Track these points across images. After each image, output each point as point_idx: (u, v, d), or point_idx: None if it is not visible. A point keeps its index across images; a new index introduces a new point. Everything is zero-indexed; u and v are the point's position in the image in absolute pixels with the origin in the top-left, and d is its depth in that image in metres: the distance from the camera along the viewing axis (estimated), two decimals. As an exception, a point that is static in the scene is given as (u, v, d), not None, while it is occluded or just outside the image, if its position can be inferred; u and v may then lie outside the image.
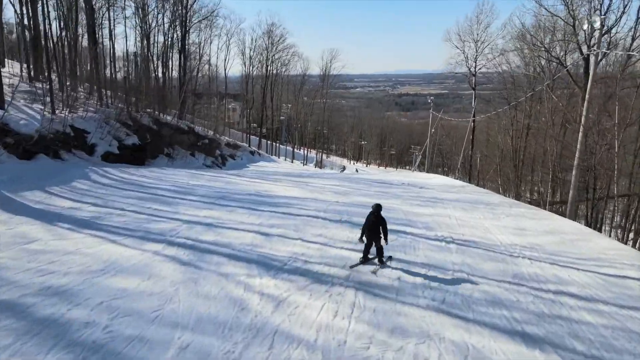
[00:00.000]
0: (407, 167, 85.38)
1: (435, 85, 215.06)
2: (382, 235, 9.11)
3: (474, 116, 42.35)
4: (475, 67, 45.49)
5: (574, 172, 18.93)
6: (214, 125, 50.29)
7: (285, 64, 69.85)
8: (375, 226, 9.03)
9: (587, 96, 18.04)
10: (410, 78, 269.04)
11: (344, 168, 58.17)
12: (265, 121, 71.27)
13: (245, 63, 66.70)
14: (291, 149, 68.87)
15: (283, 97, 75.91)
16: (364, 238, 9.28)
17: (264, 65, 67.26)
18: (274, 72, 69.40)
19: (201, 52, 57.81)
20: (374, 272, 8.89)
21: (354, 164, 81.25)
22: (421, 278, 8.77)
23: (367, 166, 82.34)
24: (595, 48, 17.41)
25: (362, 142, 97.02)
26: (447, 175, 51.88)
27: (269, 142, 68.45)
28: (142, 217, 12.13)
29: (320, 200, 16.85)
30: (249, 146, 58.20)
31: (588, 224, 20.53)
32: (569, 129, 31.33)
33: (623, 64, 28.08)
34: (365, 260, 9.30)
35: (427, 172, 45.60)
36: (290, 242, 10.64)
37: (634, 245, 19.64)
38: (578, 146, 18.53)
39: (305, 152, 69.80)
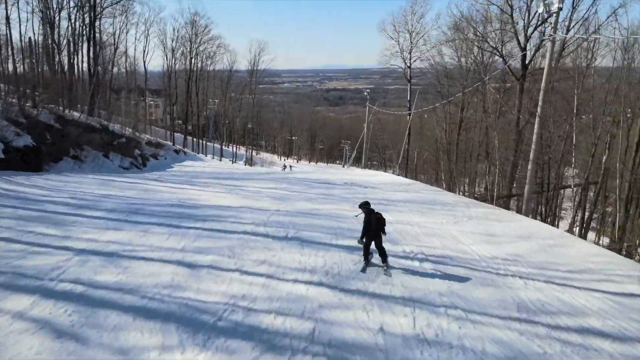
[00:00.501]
0: (338, 162, 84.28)
1: (362, 80, 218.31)
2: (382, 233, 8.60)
3: (409, 109, 41.29)
4: (410, 60, 44.67)
5: (529, 167, 17.77)
6: (133, 123, 45.73)
7: (211, 57, 65.57)
8: (379, 225, 8.48)
9: (543, 85, 16.85)
10: (338, 73, 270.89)
11: (284, 167, 54.25)
12: (190, 118, 66.57)
13: (167, 55, 61.69)
14: (219, 147, 64.88)
15: (209, 93, 71.52)
16: (364, 239, 8.72)
17: (188, 58, 62.65)
18: (199, 65, 64.93)
19: (116, 42, 52.59)
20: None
21: (284, 160, 78.64)
22: (409, 324, 6.44)
23: (297, 162, 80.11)
24: (552, 32, 16.18)
25: (293, 138, 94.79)
26: (385, 170, 50.83)
27: (195, 139, 64.03)
28: (16, 248, 8.80)
29: (258, 210, 14.17)
30: (174, 144, 53.83)
31: (544, 219, 19.55)
32: (501, 121, 30.91)
33: (558, 55, 27.92)
34: (368, 262, 8.80)
35: (364, 168, 44.06)
36: (226, 276, 7.91)
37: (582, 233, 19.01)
38: (534, 138, 17.29)
39: (234, 149, 66.04)
